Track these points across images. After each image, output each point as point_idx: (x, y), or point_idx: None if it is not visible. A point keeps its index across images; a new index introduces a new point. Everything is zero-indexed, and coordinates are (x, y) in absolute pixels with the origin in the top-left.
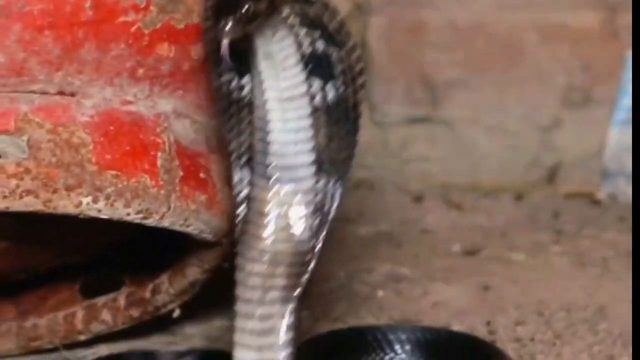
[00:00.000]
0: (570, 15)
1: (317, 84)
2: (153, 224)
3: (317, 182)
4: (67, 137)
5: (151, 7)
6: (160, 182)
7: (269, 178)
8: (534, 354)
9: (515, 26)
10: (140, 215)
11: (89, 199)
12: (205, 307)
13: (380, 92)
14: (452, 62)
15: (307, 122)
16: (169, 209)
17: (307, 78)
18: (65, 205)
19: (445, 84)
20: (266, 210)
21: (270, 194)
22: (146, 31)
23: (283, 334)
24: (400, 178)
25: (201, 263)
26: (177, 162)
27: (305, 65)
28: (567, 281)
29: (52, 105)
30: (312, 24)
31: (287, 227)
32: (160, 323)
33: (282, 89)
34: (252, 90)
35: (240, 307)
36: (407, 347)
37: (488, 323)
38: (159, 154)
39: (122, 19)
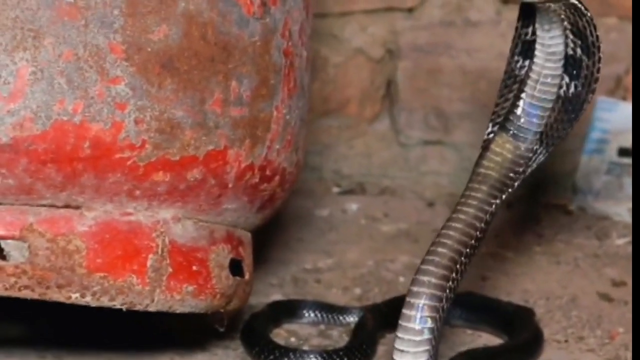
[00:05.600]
0: None
1: (566, 78)
2: (139, 310)
3: (533, 146)
4: (64, 245)
5: (146, 145)
6: (147, 280)
7: (508, 131)
8: None
9: None
10: (125, 306)
11: (77, 295)
12: None
13: (404, 120)
14: (461, 99)
15: (550, 103)
16: (153, 301)
17: (562, 72)
18: (57, 297)
19: (455, 115)
20: (493, 150)
21: (502, 142)
22: (141, 164)
23: None
24: (417, 187)
25: None
26: (167, 261)
27: (565, 62)
28: (546, 275)
29: (56, 217)
30: (579, 33)
31: (500, 165)
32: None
33: (544, 75)
34: (527, 71)
35: None
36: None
37: None
38: (150, 255)
39: (118, 155)
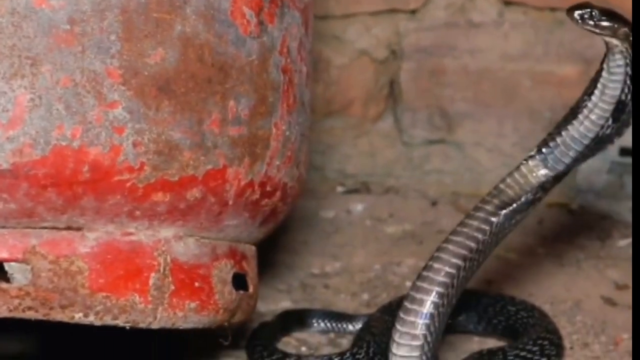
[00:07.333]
0: (556, 66)
1: (610, 121)
2: (142, 328)
3: (557, 175)
4: (67, 266)
5: (145, 167)
6: (149, 299)
7: (541, 157)
8: None
9: (514, 72)
10: (128, 324)
11: (81, 314)
12: None
13: (408, 119)
14: (464, 99)
15: (588, 140)
16: (155, 319)
17: (610, 114)
18: (61, 317)
19: (458, 115)
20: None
21: (532, 166)
22: (140, 185)
23: None
24: (421, 186)
25: None
26: (169, 279)
27: (615, 106)
28: (550, 278)
29: (58, 239)
30: (632, 79)
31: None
32: None
33: (596, 114)
34: (580, 103)
35: None
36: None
37: None
38: (152, 274)
39: (117, 178)
